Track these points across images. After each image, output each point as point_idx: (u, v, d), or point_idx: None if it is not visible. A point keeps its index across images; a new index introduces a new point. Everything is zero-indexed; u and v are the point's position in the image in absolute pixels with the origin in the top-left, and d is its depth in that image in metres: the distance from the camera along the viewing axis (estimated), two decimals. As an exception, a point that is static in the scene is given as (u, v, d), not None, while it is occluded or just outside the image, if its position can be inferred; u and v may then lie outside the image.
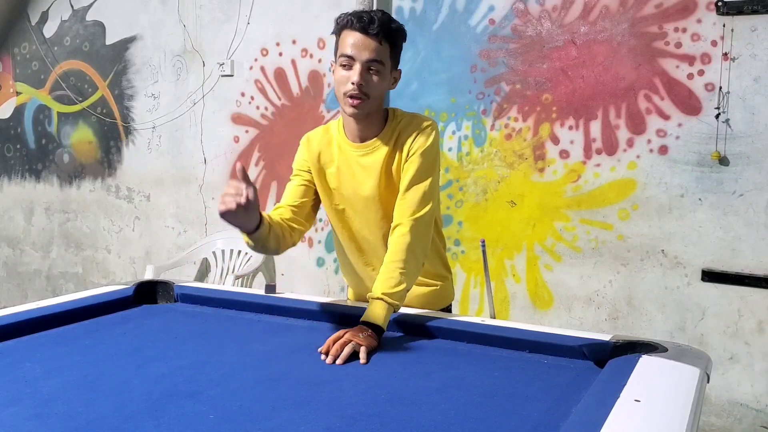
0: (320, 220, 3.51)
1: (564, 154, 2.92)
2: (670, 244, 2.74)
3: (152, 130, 4.06)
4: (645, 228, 2.78)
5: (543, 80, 2.93)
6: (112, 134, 4.23)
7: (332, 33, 1.70)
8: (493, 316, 1.96)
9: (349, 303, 1.79)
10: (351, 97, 1.61)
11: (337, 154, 1.75)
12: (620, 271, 2.84)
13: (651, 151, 2.75)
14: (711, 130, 2.63)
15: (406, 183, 1.67)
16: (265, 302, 1.79)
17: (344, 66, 1.62)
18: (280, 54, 3.57)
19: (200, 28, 3.81)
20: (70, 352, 1.44)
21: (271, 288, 1.87)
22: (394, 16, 3.23)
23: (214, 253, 3.79)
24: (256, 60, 3.65)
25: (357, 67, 1.60)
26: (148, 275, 3.50)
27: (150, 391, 1.21)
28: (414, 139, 1.68)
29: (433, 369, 1.35)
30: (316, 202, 1.81)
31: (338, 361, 1.37)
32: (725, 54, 2.59)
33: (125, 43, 4.10)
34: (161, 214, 4.08)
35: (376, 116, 1.71)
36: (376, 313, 1.52)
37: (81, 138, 4.37)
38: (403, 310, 1.66)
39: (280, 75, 3.59)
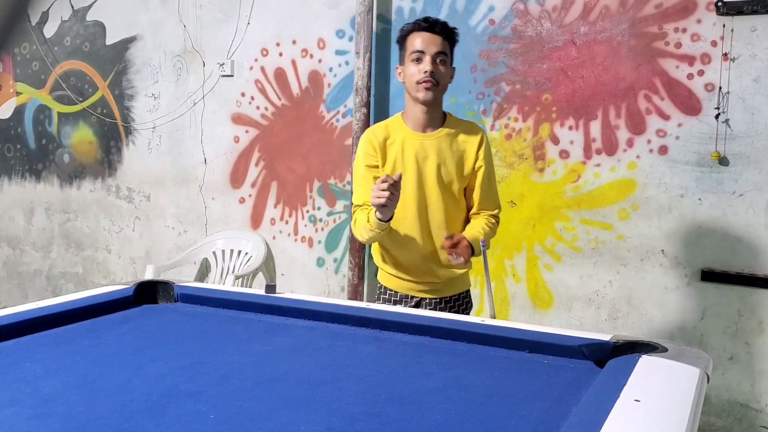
0: (320, 220, 3.50)
1: (564, 154, 2.92)
2: (670, 244, 2.74)
3: (152, 130, 4.06)
4: (645, 228, 2.78)
5: (543, 80, 2.93)
6: (113, 134, 4.23)
7: (397, 41, 2.06)
8: (493, 316, 1.96)
9: (349, 303, 1.79)
10: (424, 82, 1.93)
11: (400, 138, 2.04)
12: (620, 271, 2.84)
13: (651, 151, 2.75)
14: (711, 130, 2.63)
15: (481, 181, 2.06)
16: (265, 302, 1.79)
17: (415, 60, 1.95)
18: (280, 54, 3.57)
19: (200, 28, 3.81)
20: (70, 352, 1.44)
21: (271, 288, 1.87)
22: (393, 16, 3.24)
23: (214, 253, 3.79)
24: (256, 60, 3.65)
25: (427, 58, 1.94)
26: (149, 275, 3.50)
27: (150, 391, 1.21)
28: (484, 145, 2.05)
29: (433, 369, 1.35)
30: None
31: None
32: (725, 54, 2.59)
33: (125, 43, 4.10)
34: (161, 214, 4.08)
35: (438, 109, 2.04)
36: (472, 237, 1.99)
37: (81, 138, 4.37)
38: (403, 310, 1.72)
39: (280, 75, 3.59)
